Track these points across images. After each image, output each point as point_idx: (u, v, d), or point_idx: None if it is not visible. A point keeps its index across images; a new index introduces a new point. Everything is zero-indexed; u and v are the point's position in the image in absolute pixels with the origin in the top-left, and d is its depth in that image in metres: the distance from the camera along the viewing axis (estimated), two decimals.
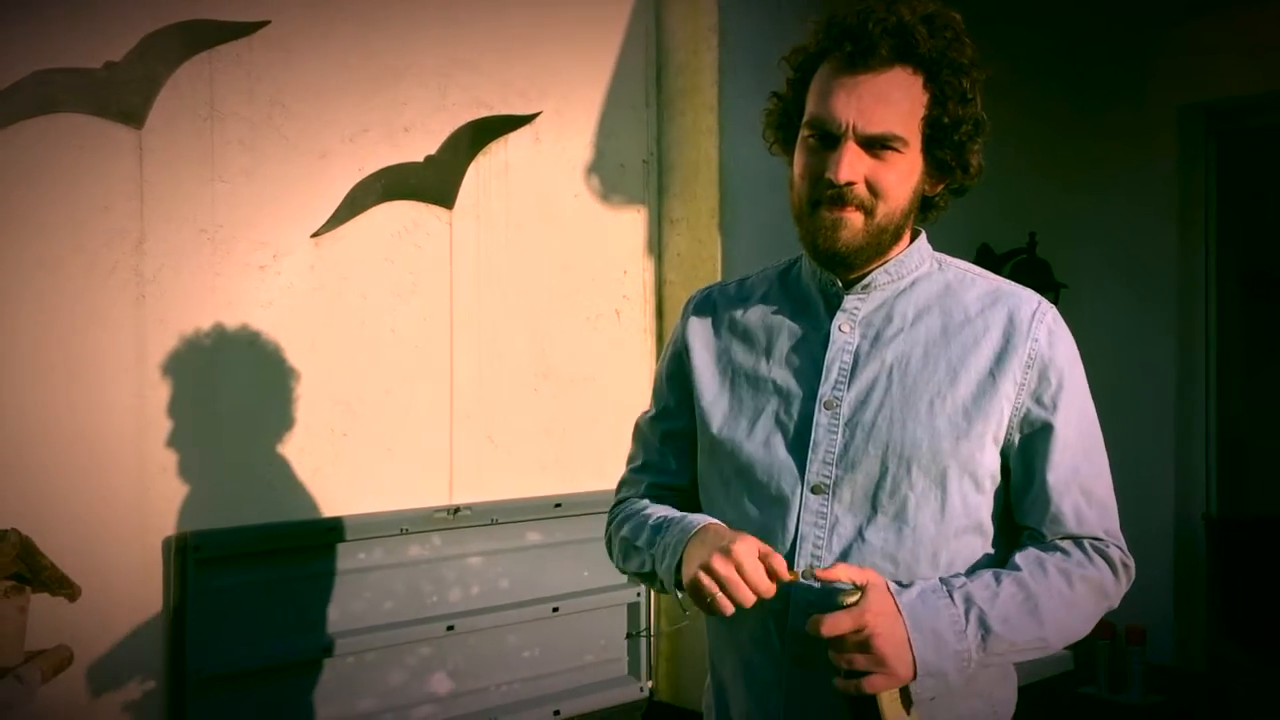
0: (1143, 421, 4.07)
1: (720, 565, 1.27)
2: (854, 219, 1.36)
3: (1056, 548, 1.39)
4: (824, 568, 1.34)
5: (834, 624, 1.23)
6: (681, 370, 1.55)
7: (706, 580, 1.27)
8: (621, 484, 1.65)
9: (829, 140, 1.35)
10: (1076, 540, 1.40)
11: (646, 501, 1.56)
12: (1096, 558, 1.39)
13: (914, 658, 1.25)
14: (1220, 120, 4.16)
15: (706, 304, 1.57)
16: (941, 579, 1.33)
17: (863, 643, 1.23)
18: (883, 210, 1.36)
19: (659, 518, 1.48)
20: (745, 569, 1.26)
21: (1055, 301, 3.70)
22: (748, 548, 1.28)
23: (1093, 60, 4.18)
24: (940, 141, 1.38)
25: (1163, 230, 4.16)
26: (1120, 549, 1.42)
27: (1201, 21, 3.94)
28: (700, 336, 1.53)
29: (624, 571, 1.58)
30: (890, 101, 1.34)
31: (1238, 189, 4.25)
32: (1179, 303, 4.15)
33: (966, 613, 1.29)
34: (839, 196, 1.35)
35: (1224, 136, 4.20)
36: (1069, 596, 1.36)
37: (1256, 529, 4.10)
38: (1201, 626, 4.10)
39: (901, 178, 1.36)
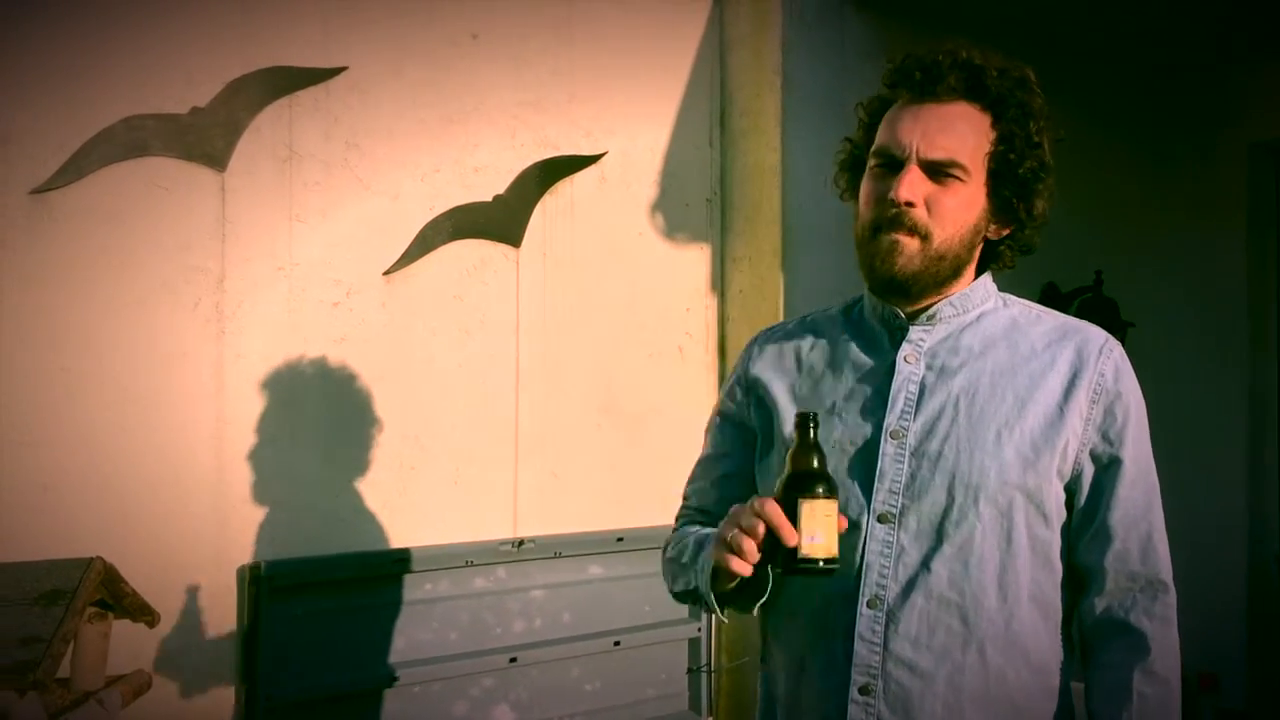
0: (1213, 462, 3.99)
1: (725, 529, 1.29)
2: (909, 244, 1.38)
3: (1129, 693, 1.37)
4: (890, 596, 1.36)
5: None
6: (741, 412, 1.56)
7: (718, 553, 1.28)
8: (676, 519, 1.67)
9: (894, 165, 1.39)
10: (1142, 640, 1.38)
11: (697, 526, 1.56)
12: (1159, 657, 1.38)
13: None
14: None
15: (771, 341, 1.58)
16: None
17: None
18: (940, 236, 1.38)
19: (704, 533, 1.48)
20: (743, 522, 1.26)
21: (1122, 340, 3.66)
22: (745, 508, 1.29)
23: (1162, 98, 4.15)
24: (1004, 178, 1.40)
25: (1232, 269, 4.09)
26: (1169, 600, 1.41)
27: (1274, 60, 3.90)
28: (770, 370, 1.54)
29: (674, 595, 1.56)
30: (955, 130, 1.38)
31: None
32: (1250, 343, 4.08)
33: None
34: (898, 217, 1.37)
35: None
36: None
37: None
38: (1276, 672, 3.99)
39: (961, 206, 1.38)
